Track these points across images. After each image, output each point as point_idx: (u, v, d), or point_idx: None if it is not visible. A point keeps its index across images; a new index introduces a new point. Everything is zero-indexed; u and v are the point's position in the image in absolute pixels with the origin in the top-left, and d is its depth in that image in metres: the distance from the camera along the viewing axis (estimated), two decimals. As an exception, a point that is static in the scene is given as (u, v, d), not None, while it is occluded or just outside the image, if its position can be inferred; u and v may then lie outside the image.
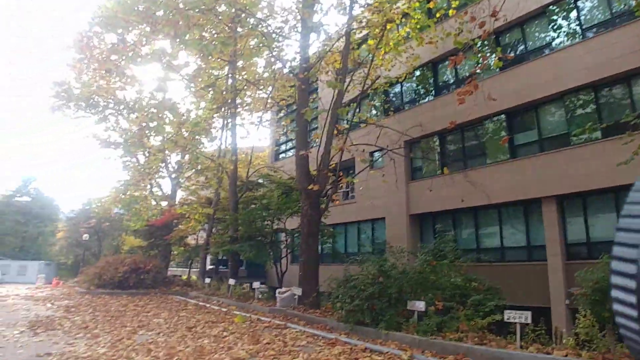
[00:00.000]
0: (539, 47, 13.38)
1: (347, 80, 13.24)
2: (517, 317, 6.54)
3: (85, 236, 31.79)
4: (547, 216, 12.32)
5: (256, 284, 13.73)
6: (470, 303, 8.00)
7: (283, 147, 26.96)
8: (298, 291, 11.16)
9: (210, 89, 12.52)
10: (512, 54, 13.00)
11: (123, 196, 27.46)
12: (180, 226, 24.33)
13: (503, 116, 14.38)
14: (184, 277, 25.32)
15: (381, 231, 19.00)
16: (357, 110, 13.51)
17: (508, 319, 6.67)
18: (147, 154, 24.64)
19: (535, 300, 11.87)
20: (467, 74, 16.24)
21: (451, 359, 6.14)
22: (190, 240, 26.68)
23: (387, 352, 6.37)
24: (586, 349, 5.84)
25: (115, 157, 25.57)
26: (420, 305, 7.87)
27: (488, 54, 14.01)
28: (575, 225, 12.06)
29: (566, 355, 5.45)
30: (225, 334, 7.75)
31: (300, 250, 12.13)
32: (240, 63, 16.36)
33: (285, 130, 23.90)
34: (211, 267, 24.19)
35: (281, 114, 22.19)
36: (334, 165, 13.49)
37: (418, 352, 6.56)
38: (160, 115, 9.82)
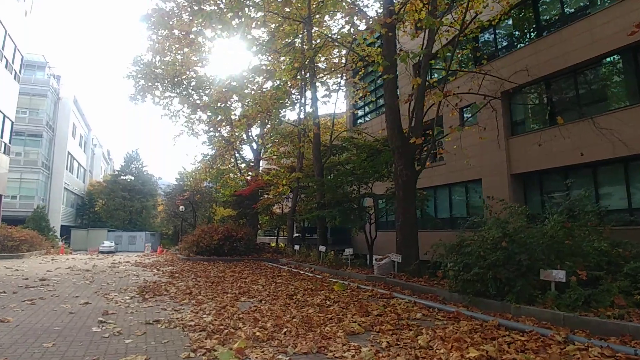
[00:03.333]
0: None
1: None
2: None
3: (182, 208, 34.10)
4: None
5: (348, 251, 13.15)
6: (625, 273, 6.44)
7: (360, 112, 25.70)
8: (397, 258, 10.27)
9: (289, 47, 11.74)
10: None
11: (211, 170, 28.62)
12: (265, 195, 24.82)
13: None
14: (272, 244, 25.99)
15: (476, 194, 17.24)
16: (451, 59, 11.81)
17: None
18: (229, 127, 25.23)
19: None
20: (572, 10, 13.51)
21: (614, 342, 4.81)
22: (276, 209, 27.15)
23: (531, 331, 5.21)
24: None
25: (201, 133, 26.59)
26: (559, 275, 6.49)
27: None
28: None
29: None
30: (328, 302, 7.17)
31: (396, 214, 11.16)
32: (316, 21, 15.35)
33: (363, 93, 22.62)
34: (297, 234, 24.39)
35: (357, 79, 20.79)
36: (428, 122, 12.13)
37: (566, 332, 5.32)
38: (244, 76, 9.33)
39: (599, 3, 12.49)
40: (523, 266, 6.69)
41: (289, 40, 11.69)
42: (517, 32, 15.72)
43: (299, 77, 11.99)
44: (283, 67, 12.90)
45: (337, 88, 18.77)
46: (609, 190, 12.62)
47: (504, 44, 16.35)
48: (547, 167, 13.91)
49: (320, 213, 14.07)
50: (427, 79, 13.95)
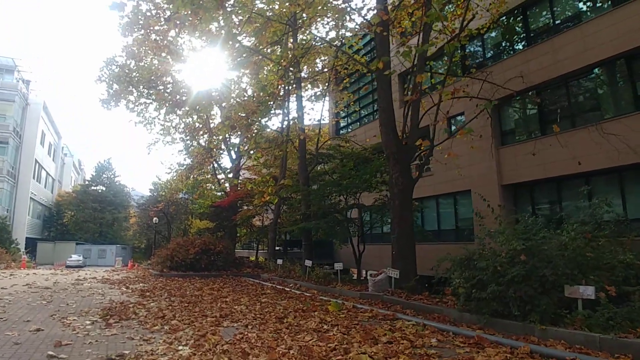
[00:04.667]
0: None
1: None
2: None
3: (155, 219, 32.38)
4: None
5: (338, 266, 12.19)
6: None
7: (343, 123, 25.06)
8: (394, 273, 9.39)
9: (276, 46, 10.95)
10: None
11: (187, 180, 27.24)
12: (245, 206, 23.63)
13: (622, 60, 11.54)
14: (252, 258, 24.73)
15: (465, 206, 16.75)
16: (451, 59, 11.28)
17: None
18: (206, 136, 24.04)
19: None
20: (563, 18, 13.40)
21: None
22: (256, 221, 25.94)
23: (574, 360, 4.42)
24: None
25: (178, 140, 25.26)
26: (587, 291, 5.78)
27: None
28: None
29: None
30: (325, 327, 6.19)
31: (392, 225, 10.34)
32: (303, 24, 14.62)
33: (348, 100, 22.00)
34: (278, 248, 23.24)
35: (341, 87, 20.09)
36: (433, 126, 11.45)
37: (606, 356, 4.59)
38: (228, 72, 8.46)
39: (589, 13, 12.38)
40: (548, 282, 5.94)
41: (276, 39, 10.94)
42: (506, 41, 15.48)
43: (285, 77, 11.20)
44: (269, 67, 12.11)
45: (323, 95, 18.04)
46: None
47: (493, 53, 16.09)
48: (539, 177, 13.52)
49: (307, 225, 13.12)
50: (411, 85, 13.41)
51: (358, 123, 23.29)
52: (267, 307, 8.10)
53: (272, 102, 11.78)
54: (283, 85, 12.42)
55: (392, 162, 10.32)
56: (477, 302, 6.52)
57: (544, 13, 14.01)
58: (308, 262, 13.63)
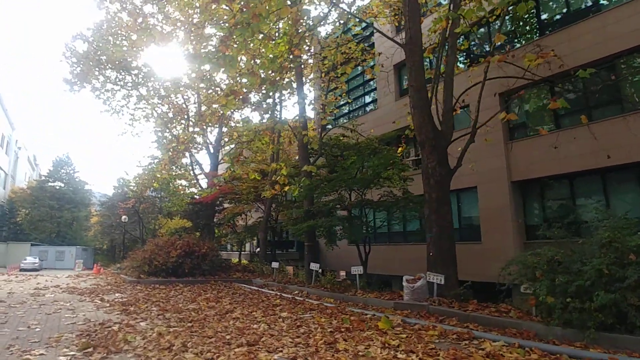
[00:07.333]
0: None
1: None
2: None
3: (124, 218, 29.53)
4: None
5: (356, 269, 10.63)
6: None
7: (330, 117, 23.65)
8: (438, 279, 7.93)
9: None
10: None
11: (163, 175, 24.77)
12: (224, 204, 21.62)
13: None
14: (235, 260, 22.73)
15: (470, 204, 15.72)
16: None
17: None
18: (180, 129, 21.88)
19: None
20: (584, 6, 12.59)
21: None
22: (238, 220, 23.90)
23: None
24: None
25: (150, 131, 22.97)
26: None
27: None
28: None
29: None
30: (399, 355, 4.62)
31: (427, 223, 8.91)
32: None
33: (340, 92, 20.55)
34: (258, 249, 21.41)
35: (332, 76, 18.53)
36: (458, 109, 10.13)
37: None
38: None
39: (613, 0, 11.61)
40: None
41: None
42: (515, 30, 14.55)
43: (305, 46, 9.59)
44: (275, 41, 10.41)
45: (319, 78, 16.53)
46: (625, 200, 11.39)
47: (501, 42, 15.14)
48: (553, 173, 12.63)
49: (317, 222, 11.45)
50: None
51: (342, 119, 22.29)
52: (298, 326, 6.39)
53: (279, 79, 10.08)
54: (300, 53, 10.73)
55: (428, 149, 8.89)
56: (579, 313, 5.18)
57: (560, 2, 13.24)
58: (314, 266, 11.99)
